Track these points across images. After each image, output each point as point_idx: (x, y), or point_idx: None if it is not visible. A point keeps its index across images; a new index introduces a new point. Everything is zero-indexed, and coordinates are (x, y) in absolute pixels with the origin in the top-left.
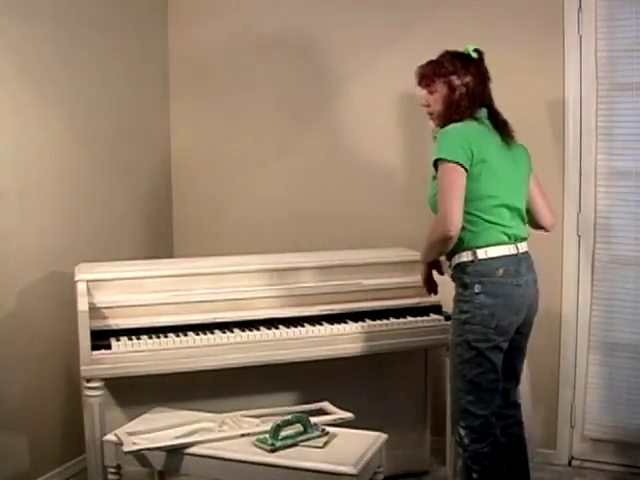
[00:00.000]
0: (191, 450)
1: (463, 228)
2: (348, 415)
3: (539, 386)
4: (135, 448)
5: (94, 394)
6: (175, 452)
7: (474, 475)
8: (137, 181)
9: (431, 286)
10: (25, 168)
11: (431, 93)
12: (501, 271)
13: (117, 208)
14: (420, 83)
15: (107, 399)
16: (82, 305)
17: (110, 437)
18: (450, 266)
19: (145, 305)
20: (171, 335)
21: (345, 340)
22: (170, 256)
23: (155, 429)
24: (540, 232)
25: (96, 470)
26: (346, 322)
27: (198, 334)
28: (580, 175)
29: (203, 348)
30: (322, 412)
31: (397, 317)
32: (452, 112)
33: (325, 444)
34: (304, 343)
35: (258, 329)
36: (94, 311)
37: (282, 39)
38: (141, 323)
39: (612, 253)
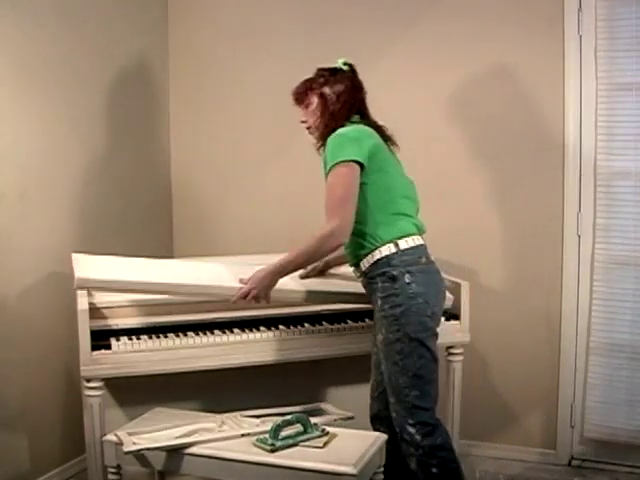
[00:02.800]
0: (191, 450)
1: (377, 223)
2: (348, 415)
3: (539, 386)
4: (135, 448)
5: (94, 394)
6: (175, 452)
7: (433, 470)
8: (137, 181)
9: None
10: (25, 168)
11: (306, 107)
12: (424, 259)
13: (117, 208)
14: (296, 102)
15: (107, 399)
16: (82, 305)
17: (110, 437)
18: (361, 268)
19: (145, 305)
20: (171, 335)
21: (345, 340)
22: (170, 256)
23: (155, 429)
24: (540, 232)
25: (96, 470)
26: (346, 322)
27: (198, 334)
28: (580, 175)
29: (203, 348)
30: (322, 412)
31: None
32: (328, 119)
33: (325, 444)
34: (304, 343)
35: (258, 329)
36: (94, 311)
37: (282, 39)
38: (141, 323)
39: (612, 253)
